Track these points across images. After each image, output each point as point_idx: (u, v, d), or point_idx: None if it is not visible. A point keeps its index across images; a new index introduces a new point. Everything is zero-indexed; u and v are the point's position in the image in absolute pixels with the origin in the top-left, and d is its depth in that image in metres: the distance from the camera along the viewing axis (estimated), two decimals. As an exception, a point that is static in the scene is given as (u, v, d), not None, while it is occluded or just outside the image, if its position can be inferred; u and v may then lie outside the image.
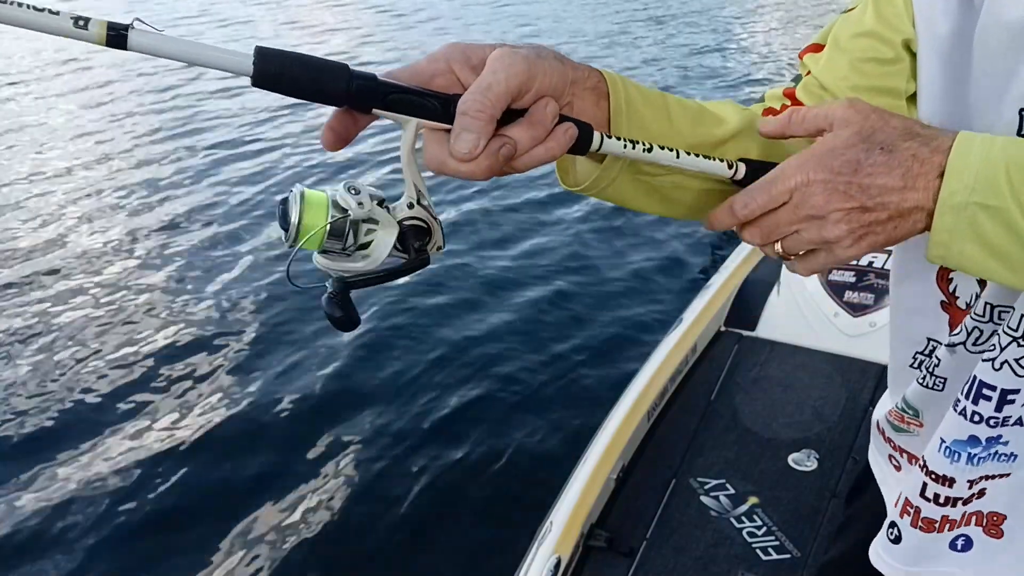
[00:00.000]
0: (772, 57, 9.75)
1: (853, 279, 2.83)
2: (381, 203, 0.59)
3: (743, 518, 2.06)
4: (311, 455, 3.16)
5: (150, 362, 3.74)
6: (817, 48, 0.82)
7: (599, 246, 4.84)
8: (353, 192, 0.57)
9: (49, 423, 3.37)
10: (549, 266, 4.73)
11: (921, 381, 0.83)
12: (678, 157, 0.64)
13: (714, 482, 2.18)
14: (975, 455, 0.75)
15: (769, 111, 0.79)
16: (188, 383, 3.58)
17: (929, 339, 0.85)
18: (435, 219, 0.60)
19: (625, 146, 0.62)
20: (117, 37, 0.49)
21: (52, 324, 4.14)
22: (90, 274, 4.49)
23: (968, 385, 0.73)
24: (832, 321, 2.73)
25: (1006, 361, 0.70)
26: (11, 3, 0.46)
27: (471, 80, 0.57)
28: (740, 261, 3.14)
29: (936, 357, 0.80)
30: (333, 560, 2.66)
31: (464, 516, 2.81)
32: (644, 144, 0.62)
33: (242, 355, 3.81)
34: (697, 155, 0.65)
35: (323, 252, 0.58)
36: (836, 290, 2.81)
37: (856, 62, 0.77)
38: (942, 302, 0.81)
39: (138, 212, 4.77)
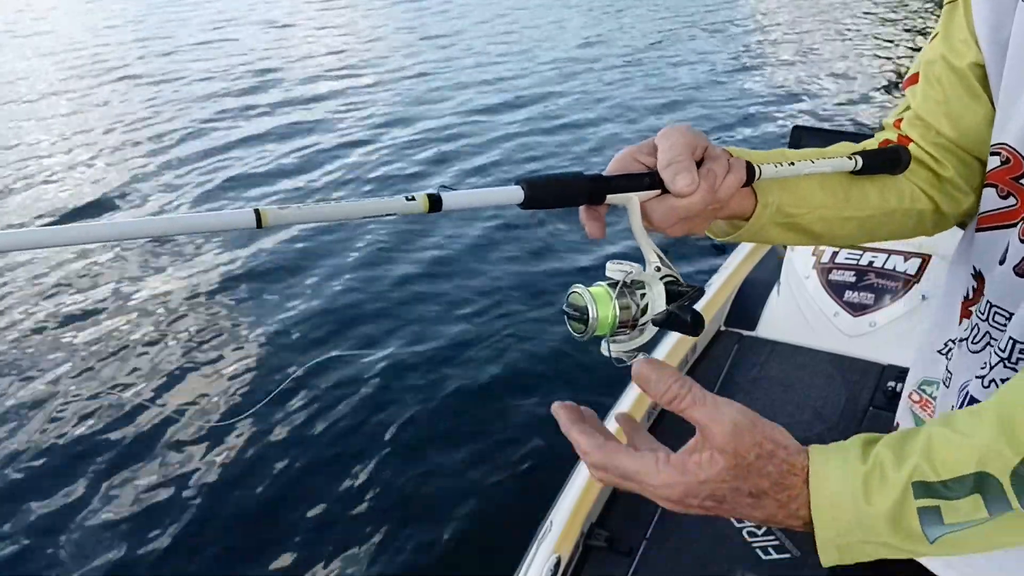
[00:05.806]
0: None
1: (853, 279, 2.81)
2: None
3: (743, 518, 2.05)
4: (314, 457, 3.16)
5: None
6: (916, 79, 0.85)
7: (599, 246, 4.84)
8: (618, 263, 0.69)
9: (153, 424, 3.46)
10: (549, 267, 4.73)
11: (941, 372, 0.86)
12: (813, 163, 0.78)
13: (714, 482, 2.17)
14: None
15: (886, 142, 0.86)
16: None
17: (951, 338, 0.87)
18: (678, 273, 0.72)
19: (776, 167, 0.76)
20: (436, 202, 0.60)
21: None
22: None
23: (961, 399, 0.76)
24: (832, 321, 2.72)
25: (994, 380, 0.72)
26: (366, 199, 0.58)
27: (652, 161, 0.70)
28: (740, 261, 3.14)
29: (949, 346, 0.84)
30: (332, 559, 2.66)
31: (464, 516, 2.81)
32: (787, 160, 0.77)
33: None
34: (824, 158, 0.79)
35: (613, 338, 0.69)
36: (836, 290, 2.79)
37: (943, 96, 0.81)
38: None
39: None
